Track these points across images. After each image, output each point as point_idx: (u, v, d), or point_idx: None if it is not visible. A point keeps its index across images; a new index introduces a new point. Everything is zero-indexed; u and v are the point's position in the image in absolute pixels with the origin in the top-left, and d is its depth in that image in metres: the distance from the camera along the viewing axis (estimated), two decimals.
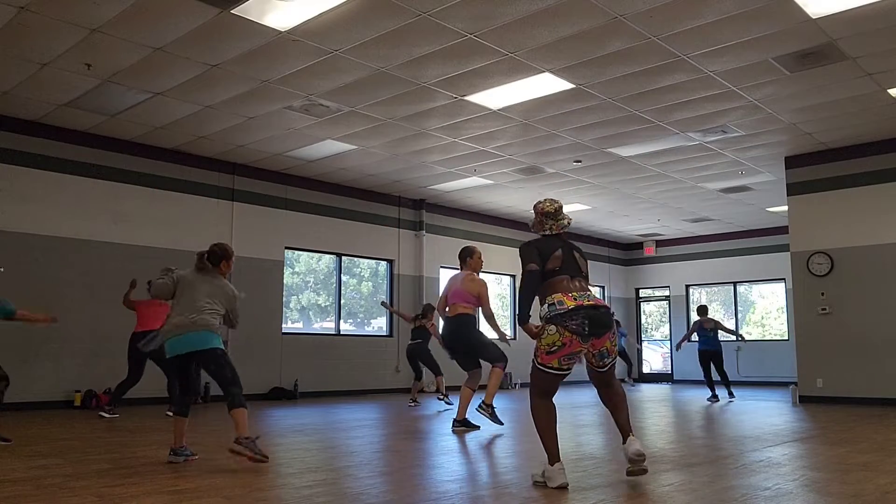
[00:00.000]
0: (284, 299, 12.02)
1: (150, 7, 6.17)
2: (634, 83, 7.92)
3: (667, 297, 18.94)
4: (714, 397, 11.32)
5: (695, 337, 12.23)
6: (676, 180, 12.30)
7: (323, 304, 13.12)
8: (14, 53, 7.15)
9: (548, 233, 4.25)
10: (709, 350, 11.68)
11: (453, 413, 7.37)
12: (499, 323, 7.22)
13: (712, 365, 11.64)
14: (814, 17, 6.39)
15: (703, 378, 11.89)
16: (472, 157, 10.91)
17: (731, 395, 11.62)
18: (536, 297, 4.02)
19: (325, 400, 11.31)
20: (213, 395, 10.11)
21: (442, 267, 14.21)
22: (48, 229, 9.36)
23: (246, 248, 11.21)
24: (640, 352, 18.95)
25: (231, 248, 5.08)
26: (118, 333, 8.91)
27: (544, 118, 9.11)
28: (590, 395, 10.42)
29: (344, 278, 13.23)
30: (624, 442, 4.03)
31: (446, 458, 5.18)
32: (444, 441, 6.10)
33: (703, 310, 12.23)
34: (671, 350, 18.47)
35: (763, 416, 8.39)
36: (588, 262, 4.29)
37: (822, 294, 10.60)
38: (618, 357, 4.30)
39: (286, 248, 12.12)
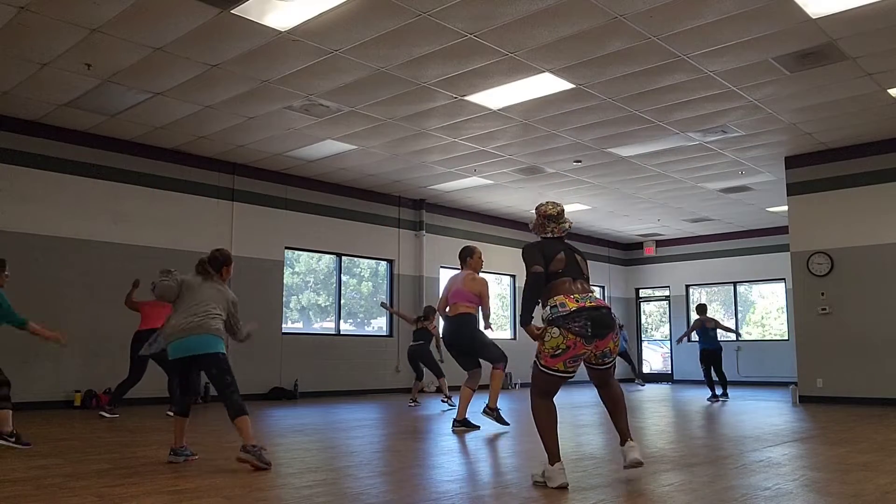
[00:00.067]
0: (284, 299, 12.02)
1: (150, 7, 6.17)
2: (634, 83, 7.92)
3: (667, 297, 18.94)
4: (714, 397, 11.32)
5: (694, 336, 12.24)
6: (676, 180, 12.30)
7: (323, 304, 13.13)
8: (14, 53, 7.15)
9: (549, 235, 4.26)
10: (710, 349, 11.67)
11: (454, 413, 7.37)
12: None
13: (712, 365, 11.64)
14: (814, 17, 6.39)
15: (702, 378, 11.89)
16: (472, 157, 10.92)
17: (725, 394, 11.58)
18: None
19: (325, 400, 11.31)
20: (213, 395, 10.10)
21: (442, 267, 14.21)
22: (48, 229, 9.36)
23: (246, 248, 11.22)
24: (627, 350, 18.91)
25: (230, 253, 5.13)
26: (118, 333, 8.92)
27: (544, 118, 9.11)
28: (590, 395, 10.41)
29: (344, 278, 13.23)
30: (622, 444, 4.06)
31: (446, 458, 5.18)
32: (444, 441, 6.10)
33: (702, 308, 12.20)
34: (671, 350, 18.48)
35: (763, 416, 8.39)
36: (588, 263, 4.30)
37: (822, 294, 10.60)
38: (620, 358, 4.31)
39: (286, 248, 12.12)
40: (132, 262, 9.70)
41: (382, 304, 11.65)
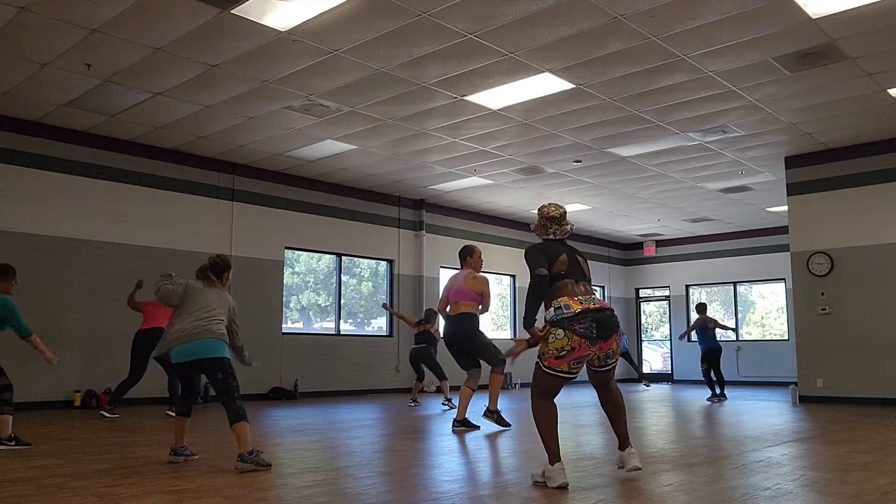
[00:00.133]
0: (284, 299, 12.02)
1: (150, 7, 6.17)
2: (634, 83, 7.92)
3: (667, 297, 18.93)
4: (714, 397, 11.32)
5: (694, 336, 12.22)
6: (676, 180, 12.30)
7: (323, 304, 13.13)
8: (14, 53, 7.15)
9: (551, 237, 4.27)
10: (710, 349, 11.66)
11: (454, 413, 7.37)
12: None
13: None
14: (814, 17, 6.39)
15: (702, 378, 11.88)
16: (472, 157, 10.91)
17: (722, 394, 11.55)
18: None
19: (325, 400, 11.31)
20: (213, 395, 10.09)
21: (442, 267, 14.21)
22: (48, 229, 9.36)
23: (246, 248, 11.22)
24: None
25: (229, 259, 5.16)
26: (118, 333, 8.92)
27: (544, 118, 9.11)
28: (590, 395, 10.41)
29: (344, 278, 13.23)
30: (622, 450, 4.07)
31: (446, 458, 5.18)
32: (444, 441, 6.10)
33: (702, 307, 12.17)
34: (671, 350, 18.48)
35: (763, 416, 8.39)
36: (589, 264, 4.32)
37: (822, 294, 10.60)
38: (622, 359, 4.33)
39: (286, 248, 12.12)
40: (132, 262, 9.71)
41: (384, 306, 11.66)
